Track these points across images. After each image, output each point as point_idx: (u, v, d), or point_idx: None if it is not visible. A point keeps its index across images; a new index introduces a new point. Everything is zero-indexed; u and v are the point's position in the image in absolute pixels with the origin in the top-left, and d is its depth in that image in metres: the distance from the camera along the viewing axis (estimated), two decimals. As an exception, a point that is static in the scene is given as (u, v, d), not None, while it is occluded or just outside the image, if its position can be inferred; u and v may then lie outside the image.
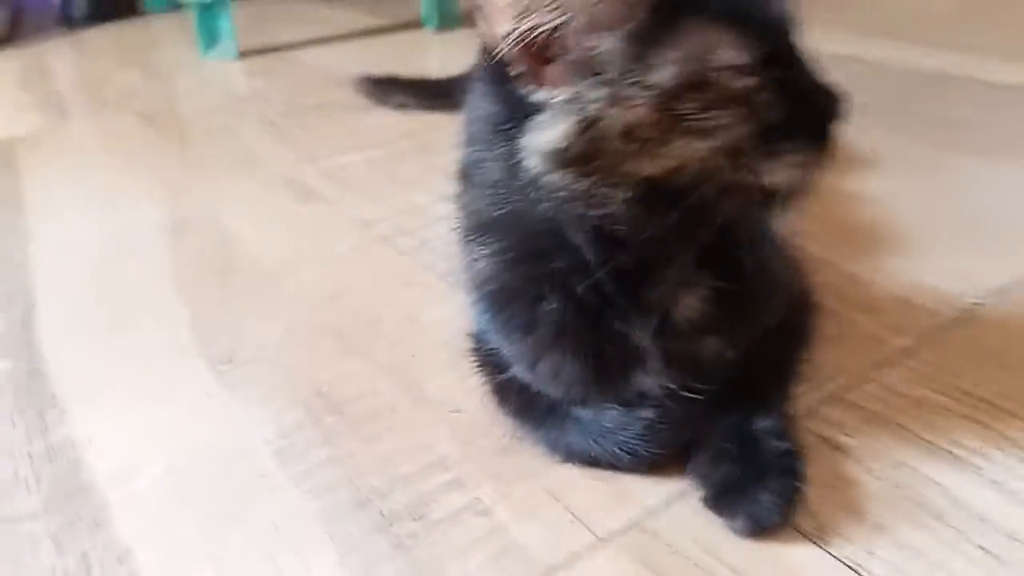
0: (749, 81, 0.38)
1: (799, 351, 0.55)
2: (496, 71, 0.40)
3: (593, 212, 0.40)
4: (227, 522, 0.49)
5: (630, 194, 0.40)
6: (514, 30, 0.38)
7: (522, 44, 0.38)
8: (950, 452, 0.49)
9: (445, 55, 1.58)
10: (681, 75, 0.37)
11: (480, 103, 0.44)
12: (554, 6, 0.37)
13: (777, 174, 0.40)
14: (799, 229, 0.70)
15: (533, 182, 0.41)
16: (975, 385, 0.54)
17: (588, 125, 0.38)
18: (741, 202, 0.41)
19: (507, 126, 0.41)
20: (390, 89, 1.20)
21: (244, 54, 1.62)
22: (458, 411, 0.55)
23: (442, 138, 1.06)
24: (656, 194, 0.40)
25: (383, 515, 0.48)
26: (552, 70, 0.38)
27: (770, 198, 0.41)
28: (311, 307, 0.70)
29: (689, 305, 0.46)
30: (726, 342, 0.48)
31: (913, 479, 0.47)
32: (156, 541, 0.48)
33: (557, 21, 0.37)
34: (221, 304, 0.72)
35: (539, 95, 0.39)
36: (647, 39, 0.38)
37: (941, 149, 0.92)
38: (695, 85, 0.38)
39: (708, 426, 0.47)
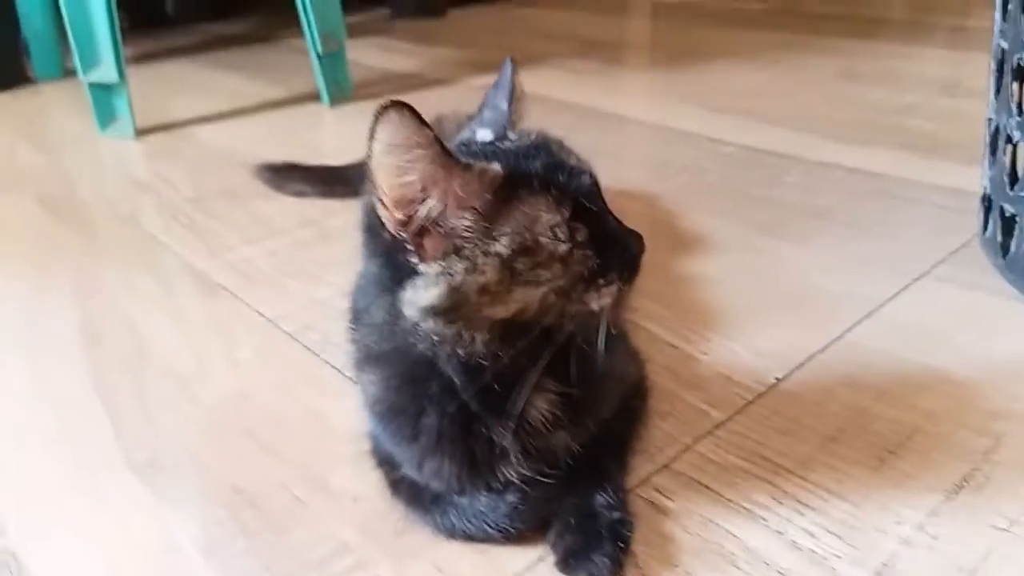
0: (565, 245, 0.52)
1: (635, 429, 0.69)
2: (384, 243, 0.52)
3: (460, 349, 0.53)
4: (165, 614, 0.58)
5: (487, 334, 0.52)
6: (407, 218, 0.50)
7: (411, 228, 0.50)
8: (745, 508, 0.63)
9: (339, 130, 1.69)
10: (514, 243, 0.51)
11: (369, 264, 0.56)
12: (431, 197, 0.49)
13: (599, 301, 0.54)
14: (642, 313, 0.86)
15: (412, 327, 0.53)
16: (768, 449, 0.69)
17: (454, 288, 0.51)
18: (576, 322, 0.54)
19: (390, 284, 0.53)
20: (288, 177, 1.30)
21: (143, 131, 1.67)
22: (357, 500, 0.66)
23: (339, 225, 1.18)
24: (508, 329, 0.53)
25: (300, 596, 0.58)
26: (429, 246, 0.51)
27: (597, 316, 0.54)
28: (224, 409, 0.79)
29: (540, 407, 0.59)
30: (572, 433, 0.61)
31: (716, 533, 0.61)
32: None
33: (436, 209, 0.50)
34: (141, 410, 0.80)
35: (420, 266, 0.51)
36: (491, 217, 0.51)
37: (763, 232, 1.09)
38: (525, 250, 0.51)
39: (559, 503, 0.60)
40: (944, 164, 1.23)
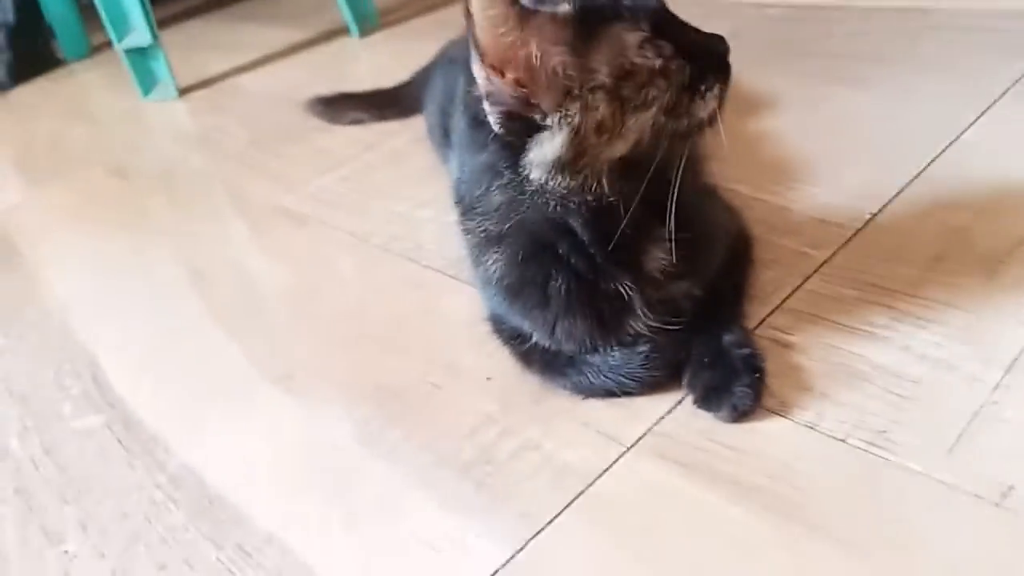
0: (658, 58, 0.53)
1: (746, 276, 0.71)
2: (486, 129, 0.54)
3: (589, 197, 0.55)
4: (337, 497, 0.63)
5: (611, 175, 0.54)
6: (517, 75, 0.52)
7: (524, 81, 0.52)
8: (866, 330, 0.65)
9: (374, 59, 1.68)
10: (613, 70, 0.52)
11: (476, 157, 0.58)
12: (527, 46, 0.51)
13: (705, 108, 0.55)
14: (721, 176, 0.87)
15: (539, 190, 0.55)
16: (876, 276, 0.70)
17: (574, 131, 0.53)
18: (688, 143, 0.56)
19: (510, 159, 0.55)
20: (342, 106, 1.31)
21: (184, 91, 1.69)
22: (491, 378, 0.69)
23: (400, 145, 1.20)
24: (629, 166, 0.55)
25: (461, 466, 0.62)
26: (544, 96, 0.52)
27: (705, 127, 0.56)
28: (341, 321, 0.83)
29: (656, 257, 0.61)
30: (691, 282, 0.63)
31: (843, 356, 0.64)
32: (291, 520, 0.62)
33: (535, 56, 0.51)
34: (263, 334, 0.85)
35: (541, 119, 0.53)
36: (582, 52, 0.52)
37: (822, 83, 1.08)
38: (625, 74, 0.52)
39: (689, 348, 0.63)
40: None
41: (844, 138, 0.95)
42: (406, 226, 0.97)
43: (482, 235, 0.62)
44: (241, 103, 1.59)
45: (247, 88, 1.66)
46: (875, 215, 0.79)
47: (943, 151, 0.86)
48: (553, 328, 0.62)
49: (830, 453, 0.56)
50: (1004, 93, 0.94)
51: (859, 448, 0.56)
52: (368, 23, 1.80)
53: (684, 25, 0.56)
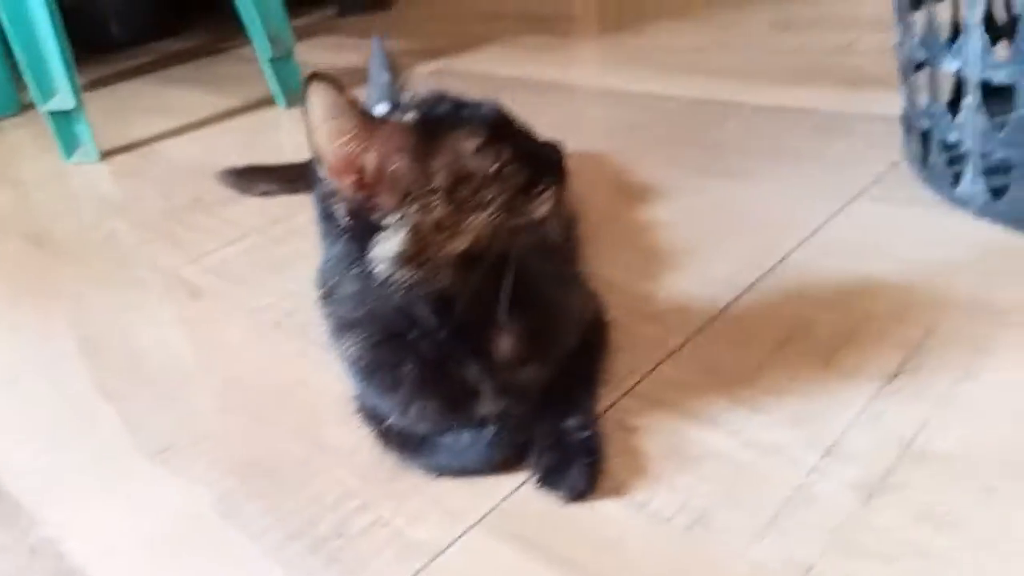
0: (495, 163, 0.57)
1: (598, 362, 0.75)
2: (344, 216, 0.58)
3: (433, 289, 0.59)
4: (194, 571, 0.64)
5: (454, 267, 0.59)
6: (358, 178, 0.56)
7: (363, 185, 0.56)
8: (704, 416, 0.70)
9: (298, 130, 1.72)
10: (450, 175, 0.57)
11: (331, 248, 0.62)
12: (368, 153, 0.55)
13: (540, 209, 0.60)
14: (598, 262, 0.92)
15: (386, 282, 0.59)
16: (721, 363, 0.76)
17: (413, 230, 0.57)
18: (524, 235, 0.60)
19: (357, 253, 0.59)
20: (252, 178, 1.34)
21: (106, 154, 1.71)
22: (353, 453, 0.72)
23: (306, 219, 1.22)
24: (468, 262, 0.59)
25: (316, 540, 0.64)
26: (383, 199, 0.57)
27: (539, 225, 0.60)
28: (223, 394, 0.85)
29: (506, 345, 0.65)
30: (538, 368, 0.67)
31: (680, 440, 0.68)
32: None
33: (375, 162, 0.56)
34: (147, 406, 0.86)
35: (381, 219, 0.57)
36: (422, 158, 0.57)
37: (707, 174, 1.16)
38: (461, 178, 0.57)
39: (534, 431, 0.67)
40: (874, 94, 1.30)
41: (718, 228, 1.02)
42: (300, 302, 1.00)
43: (338, 320, 0.66)
44: (160, 169, 1.61)
45: (169, 154, 1.68)
46: (730, 303, 0.85)
47: (801, 243, 0.93)
48: (406, 409, 0.66)
49: (656, 532, 0.60)
50: (864, 191, 1.02)
51: (682, 528, 0.60)
52: (296, 95, 1.85)
53: (523, 133, 0.61)
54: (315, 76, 0.53)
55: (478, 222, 0.57)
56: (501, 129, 0.59)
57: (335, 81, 0.53)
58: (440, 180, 0.56)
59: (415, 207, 0.56)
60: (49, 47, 1.60)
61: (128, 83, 2.41)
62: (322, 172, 0.56)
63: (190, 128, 1.83)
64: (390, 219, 0.57)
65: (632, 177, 1.20)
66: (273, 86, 1.82)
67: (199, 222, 1.30)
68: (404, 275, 0.58)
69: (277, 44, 1.77)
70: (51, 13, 1.59)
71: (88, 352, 0.98)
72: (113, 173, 1.64)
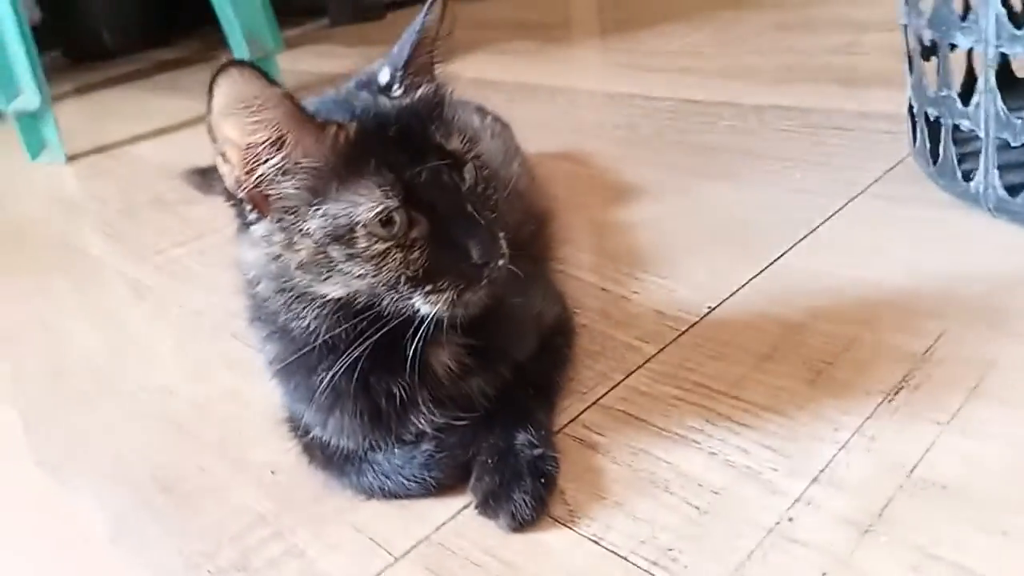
0: (382, 244, 0.48)
1: (560, 370, 0.66)
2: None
3: (291, 322, 0.52)
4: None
5: (319, 310, 0.51)
6: (247, 175, 0.48)
7: (249, 184, 0.48)
8: (677, 434, 0.61)
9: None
10: (328, 226, 0.48)
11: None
12: (276, 155, 0.47)
13: (425, 306, 0.50)
14: (574, 263, 0.83)
15: (251, 285, 0.52)
16: (700, 375, 0.66)
17: (275, 256, 0.49)
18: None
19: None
20: (216, 178, 1.26)
21: (75, 156, 1.64)
22: (276, 472, 0.63)
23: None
24: (343, 308, 0.50)
25: (214, 571, 0.55)
26: (263, 203, 0.49)
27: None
28: (144, 400, 0.77)
29: (444, 360, 0.56)
30: (485, 379, 0.58)
31: (647, 461, 0.59)
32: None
33: (275, 169, 0.48)
34: (55, 413, 0.77)
35: (252, 220, 0.50)
36: (321, 186, 0.48)
37: (696, 175, 1.07)
38: (338, 238, 0.48)
39: (478, 448, 0.57)
40: (873, 92, 1.21)
41: (703, 229, 0.93)
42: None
43: (257, 319, 0.57)
44: (128, 170, 1.54)
45: (138, 157, 1.61)
46: (713, 309, 0.76)
47: (794, 245, 0.84)
48: (324, 422, 0.57)
49: (608, 571, 0.50)
50: (865, 189, 0.93)
51: (639, 567, 0.50)
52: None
53: (462, 210, 0.50)
54: (235, 62, 0.45)
55: (350, 284, 0.49)
56: (435, 195, 0.50)
57: (257, 70, 0.46)
58: (316, 225, 0.48)
59: (281, 237, 0.49)
60: (14, 48, 1.55)
61: (113, 90, 2.36)
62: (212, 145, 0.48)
63: (166, 132, 1.76)
64: (258, 227, 0.49)
65: (616, 177, 1.11)
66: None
67: (157, 221, 1.23)
68: (264, 291, 0.52)
69: (254, 45, 1.70)
70: (16, 13, 1.53)
71: (4, 353, 0.90)
72: (79, 174, 1.57)
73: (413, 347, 0.51)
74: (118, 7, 2.88)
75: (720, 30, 1.84)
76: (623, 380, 0.67)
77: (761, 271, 0.80)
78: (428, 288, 0.50)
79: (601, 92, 1.54)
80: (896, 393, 0.61)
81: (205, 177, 1.27)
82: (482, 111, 1.01)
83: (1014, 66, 0.89)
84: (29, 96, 1.57)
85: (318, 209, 0.48)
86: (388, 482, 0.57)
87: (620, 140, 1.26)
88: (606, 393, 0.66)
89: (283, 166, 0.48)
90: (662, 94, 1.42)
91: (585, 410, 0.65)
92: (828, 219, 0.88)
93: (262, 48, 1.73)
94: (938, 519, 0.50)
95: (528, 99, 1.55)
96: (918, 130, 0.89)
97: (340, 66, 2.13)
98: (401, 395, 0.55)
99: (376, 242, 0.48)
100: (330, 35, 2.71)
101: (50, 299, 1.01)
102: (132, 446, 0.70)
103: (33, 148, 1.63)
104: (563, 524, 0.54)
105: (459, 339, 0.56)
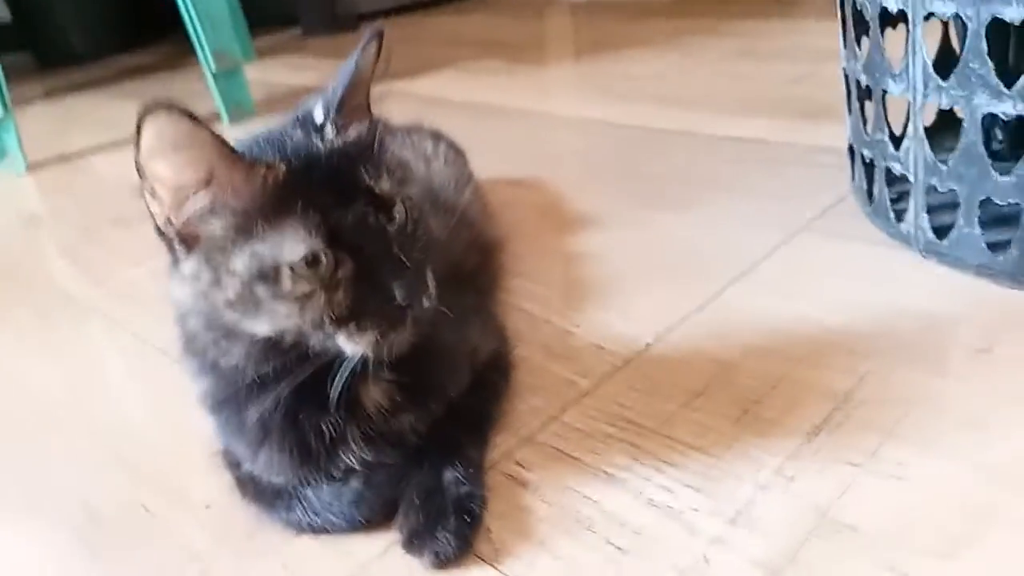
0: (306, 285, 0.49)
1: (494, 405, 0.68)
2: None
3: (219, 358, 0.53)
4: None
5: (246, 348, 0.52)
6: (176, 211, 0.49)
7: (179, 221, 0.49)
8: (605, 472, 0.62)
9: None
10: (253, 266, 0.49)
11: None
12: (203, 194, 0.48)
13: (350, 346, 0.52)
14: (518, 294, 0.84)
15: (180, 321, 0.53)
16: (631, 412, 0.68)
17: (202, 293, 0.50)
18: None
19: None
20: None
21: (36, 165, 1.63)
22: (210, 507, 0.63)
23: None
24: (271, 347, 0.52)
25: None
26: (192, 240, 0.50)
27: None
28: (83, 434, 0.77)
29: (374, 396, 0.57)
30: (417, 416, 0.59)
31: (574, 500, 0.60)
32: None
33: (204, 208, 0.49)
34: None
35: (181, 256, 0.51)
36: (249, 225, 0.49)
37: (646, 205, 1.09)
38: (264, 276, 0.49)
39: (407, 484, 0.58)
40: (825, 126, 1.24)
41: (651, 261, 0.95)
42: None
43: (188, 353, 0.58)
44: (89, 184, 1.53)
45: (101, 170, 1.61)
46: (650, 344, 0.77)
47: (734, 280, 0.86)
48: (254, 457, 0.58)
49: (527, 611, 0.52)
50: (806, 225, 0.96)
51: (557, 607, 0.52)
52: (241, 110, 1.77)
53: (388, 253, 0.51)
54: (161, 104, 0.46)
55: (277, 324, 0.50)
56: (361, 238, 0.51)
57: (185, 112, 0.47)
58: (241, 264, 0.49)
59: (208, 275, 0.50)
60: (-24, 54, 1.53)
61: (79, 96, 2.35)
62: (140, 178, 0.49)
63: (129, 142, 1.75)
64: (187, 264, 0.50)
65: (570, 205, 1.13)
66: (217, 101, 1.75)
67: (115, 240, 1.22)
68: (193, 328, 0.53)
69: (220, 59, 1.70)
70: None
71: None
72: (38, 186, 1.56)
73: (341, 385, 0.52)
74: (87, 10, 2.87)
75: (685, 57, 1.87)
76: (558, 416, 0.69)
77: (700, 307, 0.82)
78: (352, 328, 0.51)
79: (563, 116, 1.56)
80: (817, 433, 0.63)
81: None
82: (437, 137, 1.02)
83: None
84: (-10, 104, 1.56)
85: (245, 248, 0.49)
86: (317, 518, 0.58)
87: (578, 167, 1.28)
88: (540, 429, 0.68)
89: (211, 206, 0.49)
90: (624, 121, 1.44)
91: (518, 446, 0.66)
92: (770, 254, 0.90)
93: (231, 60, 1.73)
94: (848, 563, 0.52)
95: (490, 121, 1.57)
96: (855, 169, 0.92)
97: (311, 79, 2.14)
98: (330, 432, 0.56)
99: (301, 282, 0.49)
100: (303, 45, 2.71)
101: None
102: (69, 478, 0.70)
103: (-8, 158, 1.62)
104: (487, 563, 0.55)
105: (389, 376, 0.57)
